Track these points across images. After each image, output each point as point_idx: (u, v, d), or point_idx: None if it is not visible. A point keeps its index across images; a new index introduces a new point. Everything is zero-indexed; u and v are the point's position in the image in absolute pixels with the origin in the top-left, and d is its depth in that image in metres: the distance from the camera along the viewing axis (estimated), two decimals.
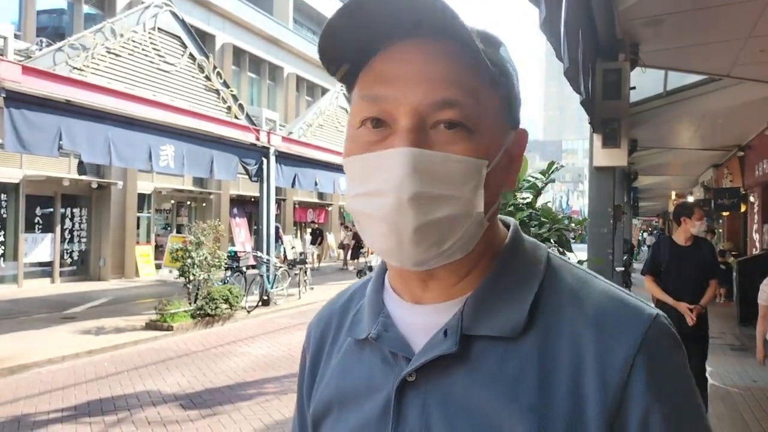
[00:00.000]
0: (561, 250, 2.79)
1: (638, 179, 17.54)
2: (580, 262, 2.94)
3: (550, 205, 3.09)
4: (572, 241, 2.95)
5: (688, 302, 5.16)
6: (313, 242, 22.53)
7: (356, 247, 23.61)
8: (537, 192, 2.87)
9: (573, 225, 2.89)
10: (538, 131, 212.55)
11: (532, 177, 2.91)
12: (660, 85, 8.64)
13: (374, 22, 0.68)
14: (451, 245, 0.69)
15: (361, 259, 23.29)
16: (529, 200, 2.87)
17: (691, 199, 19.52)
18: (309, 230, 24.75)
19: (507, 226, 0.81)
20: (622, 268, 11.95)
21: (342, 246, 24.74)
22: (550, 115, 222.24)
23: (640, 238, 39.11)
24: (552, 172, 2.90)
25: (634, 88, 6.14)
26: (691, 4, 5.04)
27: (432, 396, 0.71)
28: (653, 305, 0.72)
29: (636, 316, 0.69)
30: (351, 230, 24.28)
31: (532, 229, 2.71)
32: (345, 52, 0.72)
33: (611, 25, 5.43)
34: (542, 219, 2.79)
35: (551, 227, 2.72)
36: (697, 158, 14.57)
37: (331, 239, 26.40)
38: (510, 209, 2.75)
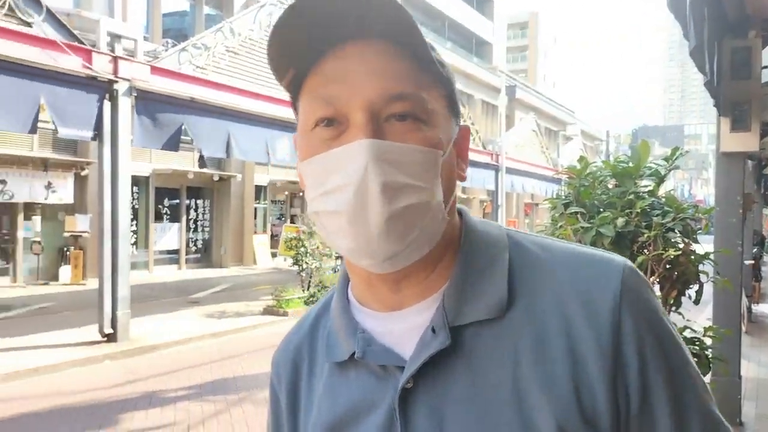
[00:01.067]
0: (686, 240, 2.64)
1: None
2: (707, 253, 2.76)
3: (672, 193, 2.91)
4: (698, 231, 2.77)
5: None
6: None
7: None
8: (660, 179, 2.72)
9: (699, 214, 2.70)
10: (657, 116, 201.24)
11: (655, 164, 2.75)
12: None
13: (319, 24, 0.68)
14: (417, 237, 0.68)
15: None
16: (650, 188, 2.72)
17: None
18: None
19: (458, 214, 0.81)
20: (752, 261, 11.12)
21: None
22: (671, 98, 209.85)
23: None
24: (676, 158, 2.73)
25: (766, 67, 5.68)
26: None
27: (436, 397, 0.70)
28: None
29: (609, 267, 0.71)
30: None
31: (654, 218, 2.57)
32: (291, 57, 0.71)
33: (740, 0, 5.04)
34: (666, 208, 2.63)
35: (675, 216, 2.57)
36: None
37: None
38: (630, 197, 2.62)
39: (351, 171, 0.66)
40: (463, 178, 0.78)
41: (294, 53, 0.71)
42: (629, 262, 0.72)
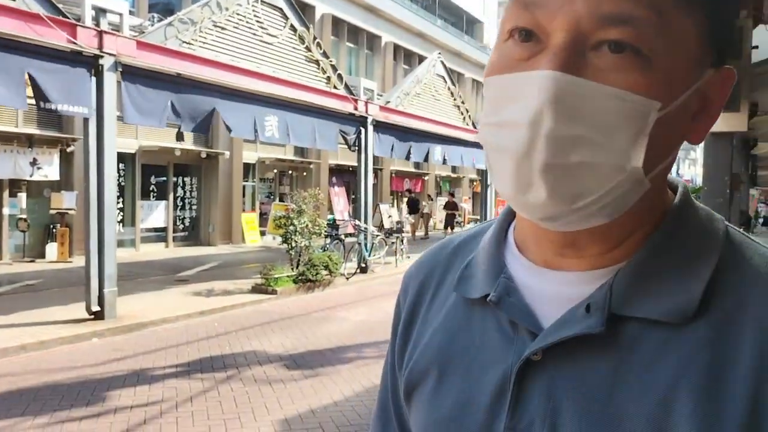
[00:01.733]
0: None
1: (758, 146, 16.31)
2: None
3: None
4: None
5: None
6: (410, 212, 22.39)
7: (450, 216, 23.35)
8: None
9: None
10: None
11: None
12: None
13: None
14: (591, 203, 0.56)
15: (456, 229, 23.18)
16: None
17: None
18: (405, 200, 24.41)
19: (673, 188, 0.67)
20: None
21: (422, 215, 24.44)
22: None
23: (758, 209, 36.58)
24: None
25: (756, 47, 5.68)
26: None
27: (562, 381, 0.59)
28: None
29: None
30: (450, 199, 24.12)
31: None
32: None
33: None
34: None
35: None
36: None
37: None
38: None
39: (524, 108, 0.54)
40: (695, 140, 0.61)
41: None
42: None
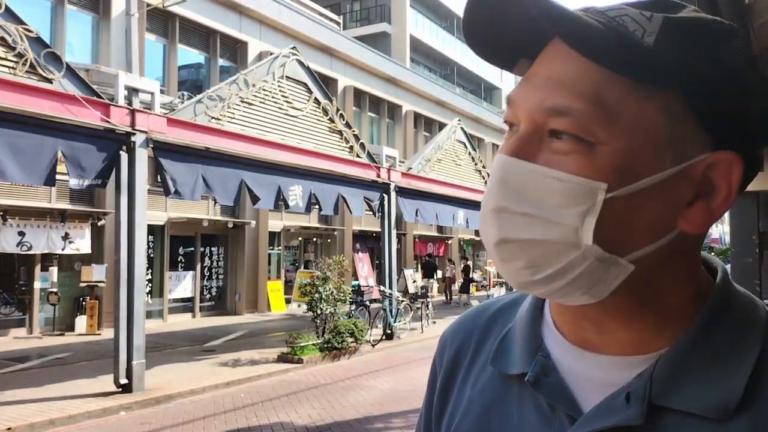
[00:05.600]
0: None
1: None
2: None
3: None
4: None
5: None
6: (426, 276, 21.88)
7: (466, 281, 23.27)
8: None
9: (714, 255, 2.67)
10: None
11: None
12: None
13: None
14: (551, 277, 0.58)
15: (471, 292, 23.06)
16: None
17: None
18: (421, 264, 23.64)
19: (711, 269, 0.66)
20: None
21: (444, 279, 24.31)
22: None
23: None
24: None
25: None
26: None
27: None
28: None
29: None
30: (464, 263, 24.06)
31: None
32: (520, 44, 0.63)
33: (746, 41, 5.12)
34: None
35: None
36: None
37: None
38: None
39: (488, 185, 0.61)
40: (689, 227, 0.58)
41: (523, 38, 0.62)
42: None
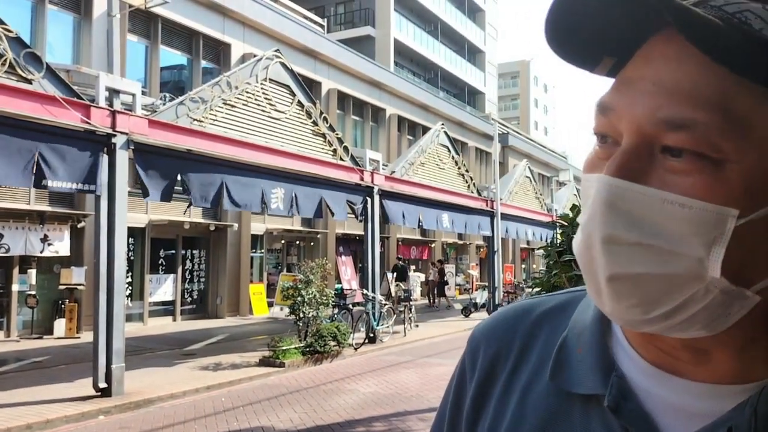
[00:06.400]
0: None
1: None
2: None
3: None
4: None
5: None
6: (398, 279, 21.36)
7: (440, 283, 23.38)
8: None
9: None
10: None
11: None
12: None
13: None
14: (668, 313, 0.51)
15: (448, 295, 23.19)
16: None
17: None
18: (392, 268, 22.71)
19: None
20: None
21: (428, 282, 24.44)
22: None
23: None
24: None
25: None
26: None
27: None
28: None
29: None
30: (437, 267, 24.16)
31: None
32: (606, 40, 0.55)
33: None
34: None
35: None
36: None
37: (416, 276, 25.08)
38: None
39: (586, 210, 0.53)
40: None
41: (612, 30, 0.54)
42: None
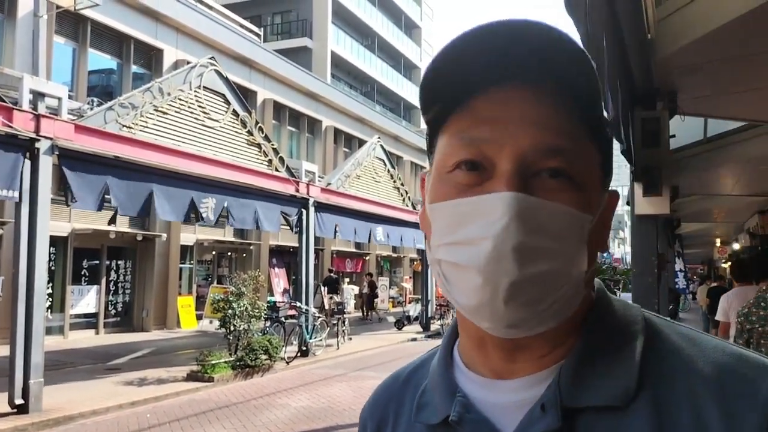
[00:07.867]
0: None
1: (681, 226, 17.19)
2: None
3: None
4: (618, 291, 2.89)
5: None
6: (330, 292, 20.71)
7: (370, 296, 23.48)
8: None
9: (618, 276, 2.80)
10: None
11: None
12: (700, 132, 8.57)
13: (479, 62, 0.63)
14: (548, 307, 0.62)
15: (380, 308, 23.32)
16: None
17: (736, 246, 19.01)
18: (323, 280, 22.12)
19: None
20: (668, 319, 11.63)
21: (361, 295, 24.50)
22: None
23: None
24: None
25: (673, 136, 6.11)
26: (738, 51, 5.02)
27: None
28: None
29: (764, 373, 0.60)
30: (369, 279, 24.28)
31: None
32: (440, 91, 0.66)
33: (648, 74, 5.46)
34: None
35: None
36: (741, 204, 14.25)
37: (350, 289, 24.96)
38: None
39: (489, 224, 0.60)
40: (605, 248, 0.69)
41: (445, 88, 0.65)
42: None
